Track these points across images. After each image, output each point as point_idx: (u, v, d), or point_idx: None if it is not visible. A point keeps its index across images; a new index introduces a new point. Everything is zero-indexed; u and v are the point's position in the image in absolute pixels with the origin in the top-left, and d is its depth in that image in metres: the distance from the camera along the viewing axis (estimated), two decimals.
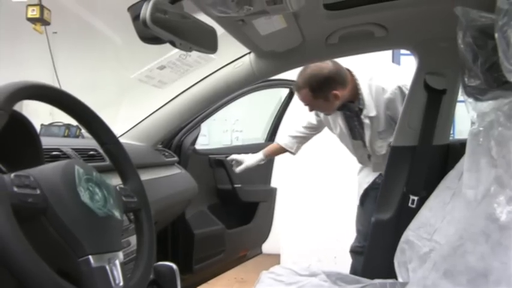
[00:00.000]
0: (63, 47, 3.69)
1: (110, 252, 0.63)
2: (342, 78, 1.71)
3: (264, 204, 2.30)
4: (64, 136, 1.45)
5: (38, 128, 1.86)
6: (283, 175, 3.04)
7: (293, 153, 2.11)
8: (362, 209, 2.02)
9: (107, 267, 0.61)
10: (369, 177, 1.98)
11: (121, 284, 0.62)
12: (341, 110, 1.83)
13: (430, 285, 0.66)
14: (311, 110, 1.83)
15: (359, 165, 2.07)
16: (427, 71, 1.40)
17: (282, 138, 2.13)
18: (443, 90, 1.39)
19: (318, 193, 3.00)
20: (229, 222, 2.10)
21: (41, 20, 3.06)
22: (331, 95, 1.69)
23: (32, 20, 3.06)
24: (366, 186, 1.97)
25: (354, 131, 1.88)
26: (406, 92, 1.61)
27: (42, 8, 3.03)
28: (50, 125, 1.60)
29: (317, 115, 2.01)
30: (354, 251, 2.04)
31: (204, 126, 2.39)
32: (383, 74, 1.76)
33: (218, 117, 2.43)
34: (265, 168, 2.34)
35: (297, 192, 3.05)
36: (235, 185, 2.12)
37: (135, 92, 2.71)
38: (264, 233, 2.37)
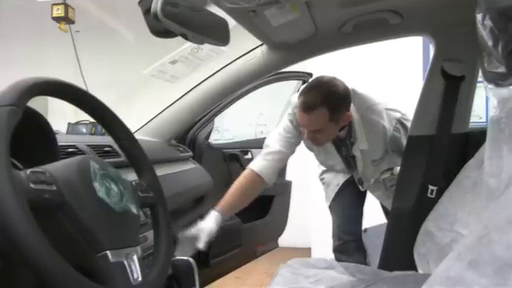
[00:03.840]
0: (86, 46, 3.72)
1: (128, 248, 0.63)
2: (350, 98, 1.48)
3: (279, 197, 2.29)
4: (91, 134, 1.46)
5: (65, 126, 1.88)
6: (314, 165, 3.02)
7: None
8: (337, 203, 1.93)
9: (125, 262, 0.61)
10: (338, 177, 1.90)
11: (139, 279, 0.62)
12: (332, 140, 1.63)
13: (454, 276, 0.64)
14: (316, 139, 1.50)
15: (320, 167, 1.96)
16: (445, 58, 1.36)
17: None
18: (461, 77, 1.35)
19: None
20: (245, 216, 2.09)
21: (66, 19, 3.11)
22: (345, 117, 1.46)
23: (57, 19, 3.11)
24: (337, 185, 1.90)
25: (343, 157, 1.72)
26: (407, 123, 1.55)
27: (66, 6, 3.07)
28: (77, 123, 1.62)
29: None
30: (337, 250, 1.94)
31: (228, 120, 2.37)
32: (380, 107, 1.54)
33: (242, 111, 2.41)
34: None
35: None
36: None
37: (150, 88, 2.73)
38: (280, 226, 2.36)
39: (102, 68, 3.77)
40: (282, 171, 2.35)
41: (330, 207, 1.99)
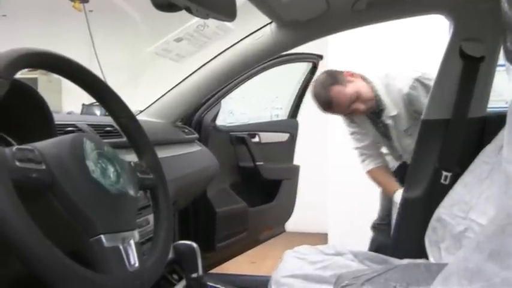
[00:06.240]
0: (99, 25, 3.67)
1: (124, 232, 0.59)
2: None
3: (286, 182, 2.25)
4: (105, 115, 1.43)
5: (79, 108, 1.84)
6: (332, 151, 2.99)
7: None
8: None
9: (121, 247, 0.57)
10: (392, 162, 1.97)
11: (136, 265, 0.58)
12: (365, 114, 1.78)
13: (473, 267, 0.59)
14: (353, 108, 1.70)
15: None
16: (464, 38, 1.29)
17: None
18: (481, 58, 1.28)
19: None
20: (252, 200, 2.06)
21: None
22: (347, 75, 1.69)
23: None
24: (392, 168, 1.96)
25: (381, 132, 1.83)
26: (427, 81, 1.56)
27: None
28: (91, 104, 1.57)
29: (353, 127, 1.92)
30: (375, 227, 2.03)
31: (243, 103, 2.34)
32: (397, 70, 1.70)
33: (257, 94, 2.37)
34: (287, 146, 2.28)
35: (346, 168, 2.92)
36: (257, 163, 2.07)
37: (157, 68, 2.67)
38: (288, 211, 2.33)
39: (113, 49, 3.72)
40: (289, 155, 2.32)
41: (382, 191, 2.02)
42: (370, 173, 1.90)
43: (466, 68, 1.30)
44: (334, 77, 1.70)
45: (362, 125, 1.86)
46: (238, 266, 2.13)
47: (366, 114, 1.78)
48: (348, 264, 1.21)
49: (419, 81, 1.59)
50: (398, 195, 1.60)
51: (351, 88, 1.67)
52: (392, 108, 1.68)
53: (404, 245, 1.41)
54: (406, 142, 1.74)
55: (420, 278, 0.87)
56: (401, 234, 1.43)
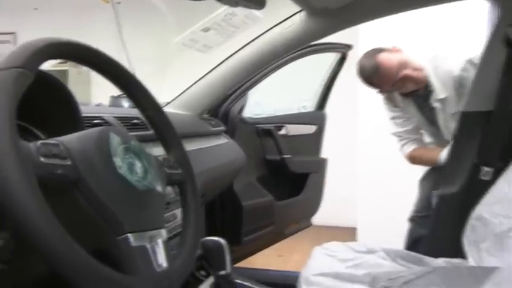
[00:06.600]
0: (127, 17, 3.68)
1: (152, 230, 0.56)
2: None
3: (314, 175, 2.20)
4: (132, 107, 1.41)
5: (107, 99, 1.84)
6: (362, 144, 2.92)
7: None
8: (428, 178, 1.90)
9: (148, 246, 0.54)
10: None
11: (164, 265, 0.55)
12: (410, 96, 1.72)
13: None
14: (402, 75, 1.62)
15: None
16: (509, 23, 1.20)
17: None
18: None
19: (400, 161, 2.83)
20: (278, 193, 2.03)
21: None
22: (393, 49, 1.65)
23: None
24: None
25: (426, 116, 1.76)
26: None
27: None
28: (119, 96, 1.56)
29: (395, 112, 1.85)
30: (413, 220, 1.95)
31: (269, 94, 2.30)
32: (447, 51, 1.64)
33: (284, 84, 2.32)
34: (314, 138, 2.23)
35: (376, 160, 2.86)
36: (284, 156, 2.03)
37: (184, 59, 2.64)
38: (315, 205, 2.29)
39: (140, 41, 3.72)
40: (316, 148, 2.27)
41: (421, 181, 1.94)
42: (412, 153, 1.82)
43: (511, 56, 1.22)
44: (380, 48, 1.66)
45: (406, 108, 1.79)
46: (265, 259, 2.11)
47: (412, 98, 1.71)
48: (381, 263, 1.16)
49: (472, 63, 1.51)
50: (444, 154, 1.57)
51: (399, 55, 1.62)
52: (441, 91, 1.60)
53: (440, 243, 1.35)
54: (454, 127, 1.64)
55: (464, 282, 0.81)
56: (437, 232, 1.36)
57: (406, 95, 1.75)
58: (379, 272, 0.99)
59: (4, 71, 0.48)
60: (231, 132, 1.73)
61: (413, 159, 1.83)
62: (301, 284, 1.08)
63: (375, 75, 1.63)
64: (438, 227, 1.36)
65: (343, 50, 2.15)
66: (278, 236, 2.12)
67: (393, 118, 1.85)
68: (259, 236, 1.93)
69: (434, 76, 1.61)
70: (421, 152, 1.81)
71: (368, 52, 1.70)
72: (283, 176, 2.09)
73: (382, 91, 1.75)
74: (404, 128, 1.83)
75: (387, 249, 1.26)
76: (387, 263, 1.18)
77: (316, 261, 1.21)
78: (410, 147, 1.82)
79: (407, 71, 1.60)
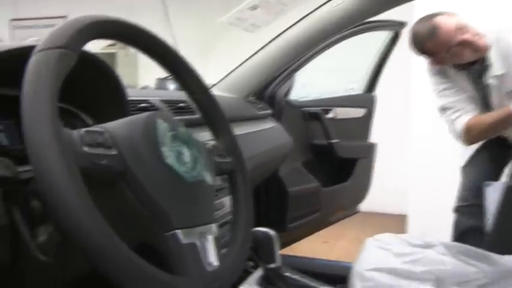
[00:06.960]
0: None
1: (202, 226, 0.51)
2: None
3: (362, 161, 2.11)
4: (179, 89, 1.39)
5: (153, 82, 1.83)
6: (416, 127, 2.77)
7: None
8: (472, 165, 1.78)
9: (198, 243, 0.50)
10: None
11: (215, 263, 0.51)
12: (464, 69, 1.58)
13: None
14: (461, 39, 1.48)
15: None
16: None
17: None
18: None
19: (456, 148, 2.67)
20: (325, 179, 1.96)
21: None
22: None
23: None
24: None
25: (480, 93, 1.61)
26: None
27: None
28: (165, 78, 1.53)
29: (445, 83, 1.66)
30: (458, 210, 1.83)
31: (316, 75, 2.23)
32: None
33: (332, 65, 2.23)
34: (363, 122, 2.13)
35: (430, 145, 2.70)
36: (332, 140, 1.95)
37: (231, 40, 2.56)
38: (362, 191, 2.20)
39: (186, 24, 3.69)
40: (365, 132, 2.17)
41: (464, 167, 1.82)
42: (470, 121, 1.56)
43: None
44: (435, 13, 1.53)
45: (458, 82, 1.62)
46: (309, 245, 2.06)
47: (466, 71, 1.58)
48: (441, 260, 1.06)
49: None
50: None
51: (458, 18, 1.49)
52: (499, 67, 1.48)
53: (507, 239, 1.23)
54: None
55: None
56: (504, 226, 1.24)
57: (460, 68, 1.59)
58: (442, 271, 0.90)
59: (45, 51, 0.44)
60: (277, 116, 1.67)
61: (472, 129, 1.57)
62: (354, 279, 1.02)
63: (430, 39, 1.49)
64: (505, 220, 1.24)
65: (396, 27, 2.02)
66: (324, 223, 2.07)
67: (443, 90, 1.64)
68: (305, 223, 1.88)
69: (495, 48, 1.48)
70: (483, 119, 1.56)
71: (422, 17, 1.56)
72: (330, 161, 2.01)
73: (435, 60, 1.57)
74: (456, 97, 1.61)
75: (447, 243, 1.16)
76: (447, 259, 1.09)
77: (369, 254, 1.14)
78: (466, 117, 1.58)
79: (466, 35, 1.46)
